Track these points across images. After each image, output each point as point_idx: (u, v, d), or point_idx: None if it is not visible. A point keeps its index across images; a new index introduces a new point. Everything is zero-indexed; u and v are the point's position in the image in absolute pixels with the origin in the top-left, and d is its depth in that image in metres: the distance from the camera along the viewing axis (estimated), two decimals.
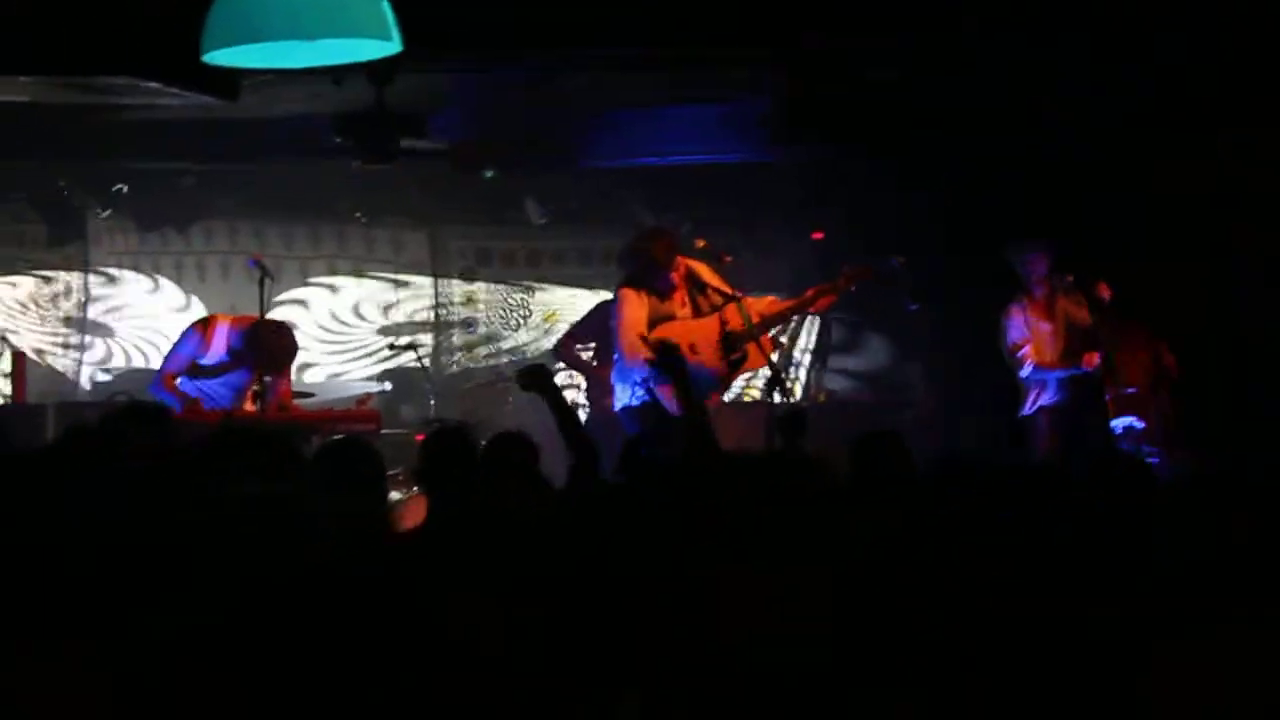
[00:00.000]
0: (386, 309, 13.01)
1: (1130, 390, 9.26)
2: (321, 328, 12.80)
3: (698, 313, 8.79)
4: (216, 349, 8.95)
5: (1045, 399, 9.52)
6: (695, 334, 8.67)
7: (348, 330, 12.95)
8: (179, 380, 8.86)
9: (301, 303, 12.65)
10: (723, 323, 8.68)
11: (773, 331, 9.53)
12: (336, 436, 7.60)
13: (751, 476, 4.16)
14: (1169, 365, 9.33)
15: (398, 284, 12.94)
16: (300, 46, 5.62)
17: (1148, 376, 9.27)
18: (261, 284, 9.20)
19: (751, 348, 8.67)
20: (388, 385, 12.20)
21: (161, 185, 11.73)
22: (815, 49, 8.64)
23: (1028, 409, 9.59)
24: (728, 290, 8.75)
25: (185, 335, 9.16)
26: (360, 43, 5.70)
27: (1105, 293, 9.30)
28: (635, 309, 8.68)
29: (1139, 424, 9.13)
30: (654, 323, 8.66)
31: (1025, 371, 9.53)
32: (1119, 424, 9.11)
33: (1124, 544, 4.17)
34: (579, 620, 3.62)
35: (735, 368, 8.81)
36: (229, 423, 8.04)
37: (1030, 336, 9.49)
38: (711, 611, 3.72)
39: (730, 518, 3.99)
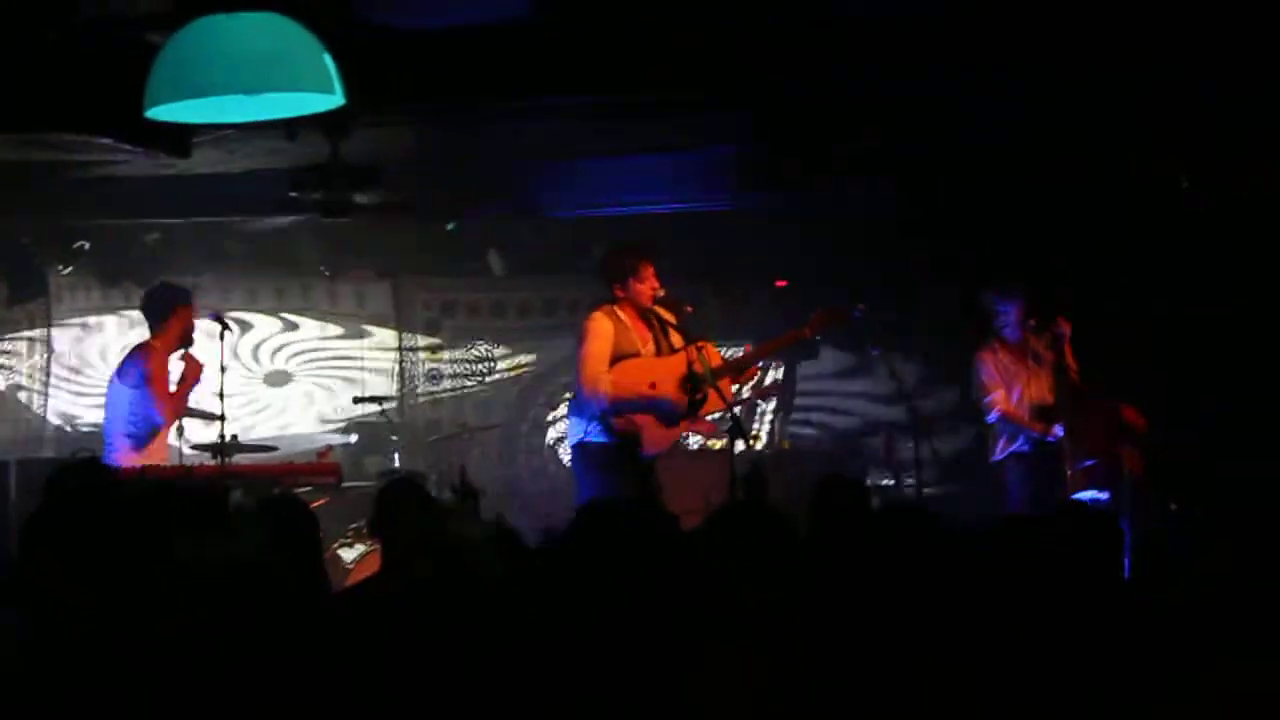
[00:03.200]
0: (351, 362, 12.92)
1: (1088, 463, 9.12)
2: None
3: (659, 352, 8.73)
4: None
5: (1017, 446, 9.43)
6: (658, 371, 8.62)
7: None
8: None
9: (265, 356, 12.58)
10: (687, 363, 8.60)
11: (743, 388, 9.45)
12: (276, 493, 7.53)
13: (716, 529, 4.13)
14: (1134, 422, 9.19)
15: (362, 336, 12.85)
16: (242, 101, 5.61)
17: (1108, 444, 9.14)
18: (221, 337, 9.16)
19: (713, 391, 8.60)
20: (353, 438, 12.12)
21: (124, 242, 11.66)
22: (781, 95, 8.61)
23: (998, 455, 9.52)
24: (687, 335, 8.69)
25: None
26: (303, 96, 5.69)
27: (1065, 327, 9.23)
28: (600, 341, 8.60)
29: (1102, 496, 8.93)
30: (616, 358, 8.58)
31: (991, 418, 9.47)
32: (1084, 496, 8.89)
33: (1083, 591, 4.12)
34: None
35: (696, 408, 8.73)
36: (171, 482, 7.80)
37: (1000, 382, 9.42)
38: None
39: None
